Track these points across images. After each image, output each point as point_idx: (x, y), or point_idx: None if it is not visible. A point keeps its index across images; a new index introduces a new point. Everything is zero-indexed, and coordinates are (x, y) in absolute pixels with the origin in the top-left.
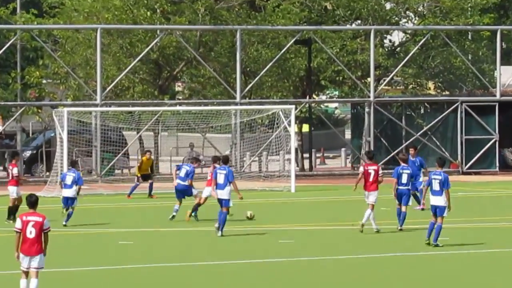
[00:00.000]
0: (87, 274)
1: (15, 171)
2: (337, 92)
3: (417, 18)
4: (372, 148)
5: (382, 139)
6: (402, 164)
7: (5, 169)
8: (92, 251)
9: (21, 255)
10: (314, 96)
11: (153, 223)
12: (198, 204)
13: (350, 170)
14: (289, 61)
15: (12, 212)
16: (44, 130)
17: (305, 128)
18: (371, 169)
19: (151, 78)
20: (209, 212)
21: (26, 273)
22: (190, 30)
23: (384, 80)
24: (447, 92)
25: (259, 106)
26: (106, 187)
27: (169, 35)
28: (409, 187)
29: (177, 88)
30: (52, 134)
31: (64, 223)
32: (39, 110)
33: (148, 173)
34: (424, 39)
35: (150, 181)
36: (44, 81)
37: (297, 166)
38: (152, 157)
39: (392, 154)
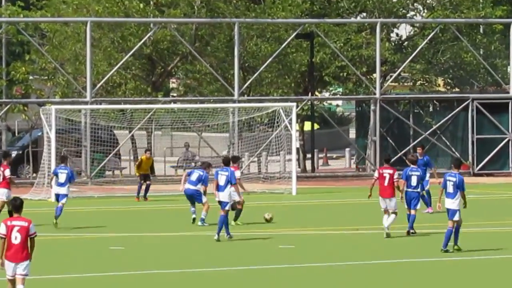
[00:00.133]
0: (75, 281)
1: (7, 172)
2: (341, 89)
3: (425, 11)
4: (377, 148)
5: (388, 138)
6: (411, 165)
7: None
8: (81, 257)
9: (6, 262)
10: (316, 93)
11: (146, 228)
12: (240, 210)
13: (355, 172)
14: (290, 56)
15: None
16: (30, 129)
17: (307, 126)
18: (386, 172)
19: (144, 74)
20: (209, 215)
21: (13, 282)
22: (185, 23)
23: (391, 76)
24: (457, 89)
25: (258, 103)
26: (96, 189)
27: (163, 29)
28: (419, 190)
29: (171, 85)
30: (39, 134)
31: (55, 220)
32: (26, 108)
33: (147, 173)
34: (433, 33)
35: (148, 182)
36: (30, 77)
37: (299, 167)
38: (152, 156)
39: (399, 155)
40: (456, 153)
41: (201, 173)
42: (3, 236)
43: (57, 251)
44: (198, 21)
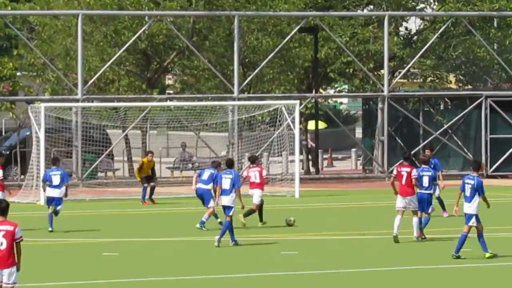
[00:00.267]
0: None
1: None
2: (346, 86)
3: (436, 3)
4: (385, 148)
5: (397, 138)
6: (423, 165)
7: None
8: (72, 264)
9: None
10: (321, 90)
11: (141, 233)
12: (253, 210)
13: (361, 173)
14: (293, 51)
15: None
16: (18, 128)
17: (311, 125)
18: (404, 171)
19: (139, 70)
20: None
21: None
22: (182, 17)
23: (400, 73)
24: (470, 86)
25: (259, 101)
26: (88, 191)
27: (159, 22)
28: (431, 191)
29: (167, 82)
30: (28, 133)
31: (50, 228)
32: (13, 106)
33: (149, 175)
34: (444, 26)
35: (152, 184)
36: (18, 73)
37: (302, 168)
38: (154, 159)
39: None
40: (469, 153)
41: (213, 172)
42: None
43: (47, 257)
44: (196, 14)
